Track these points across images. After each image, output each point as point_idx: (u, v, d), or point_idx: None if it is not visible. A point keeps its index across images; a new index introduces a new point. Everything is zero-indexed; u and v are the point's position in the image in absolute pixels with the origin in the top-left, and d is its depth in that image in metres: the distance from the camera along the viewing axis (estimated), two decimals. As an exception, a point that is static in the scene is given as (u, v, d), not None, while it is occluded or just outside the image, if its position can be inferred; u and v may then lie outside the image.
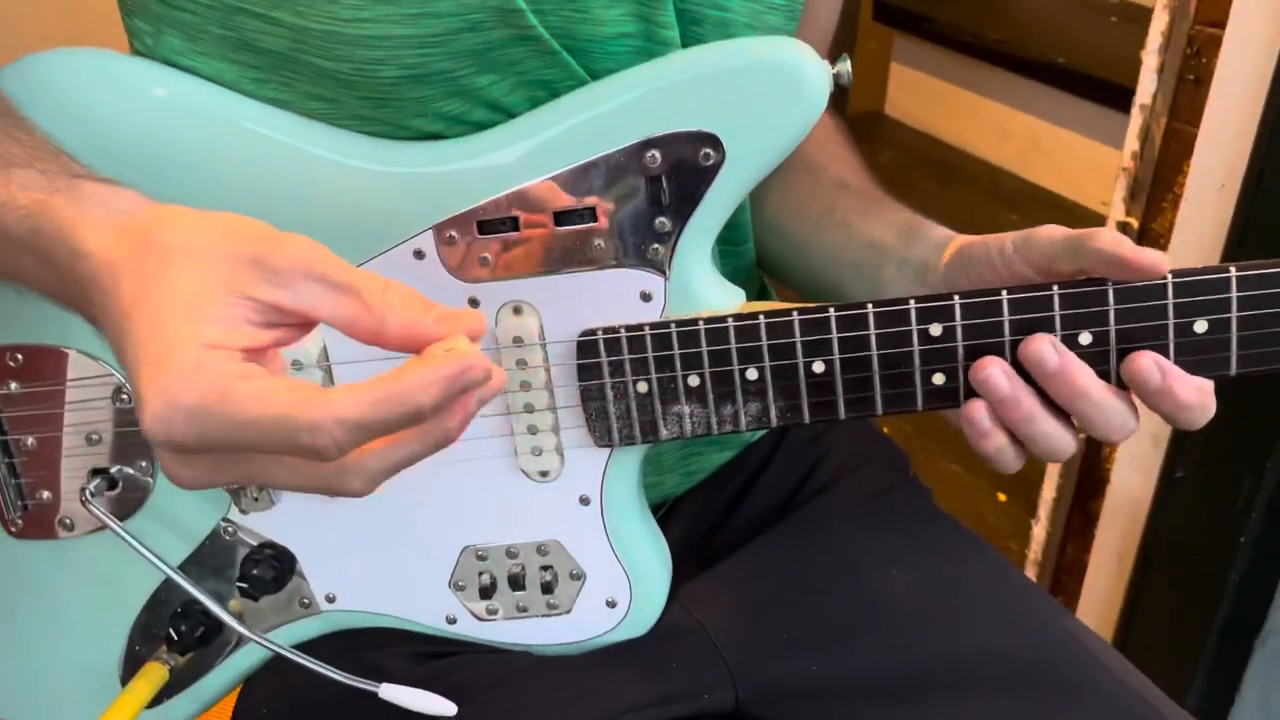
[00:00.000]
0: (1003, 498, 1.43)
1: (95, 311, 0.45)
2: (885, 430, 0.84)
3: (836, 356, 0.57)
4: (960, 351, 0.57)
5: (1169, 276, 0.54)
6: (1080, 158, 1.62)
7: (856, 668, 0.65)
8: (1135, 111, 0.99)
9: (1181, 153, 0.97)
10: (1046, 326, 0.56)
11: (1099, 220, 1.63)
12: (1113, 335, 0.56)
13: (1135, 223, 1.00)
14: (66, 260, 0.45)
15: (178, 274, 0.41)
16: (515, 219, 0.57)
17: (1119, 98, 1.51)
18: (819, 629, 0.67)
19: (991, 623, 0.66)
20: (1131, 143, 0.99)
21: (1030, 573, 1.22)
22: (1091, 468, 1.15)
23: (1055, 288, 0.56)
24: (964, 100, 1.78)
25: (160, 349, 0.40)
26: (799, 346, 0.57)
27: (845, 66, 0.57)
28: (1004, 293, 0.56)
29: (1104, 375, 0.56)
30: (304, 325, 0.43)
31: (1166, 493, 1.10)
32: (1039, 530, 1.20)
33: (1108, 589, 1.19)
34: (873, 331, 0.57)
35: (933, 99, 1.79)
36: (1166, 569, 1.14)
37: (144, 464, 0.63)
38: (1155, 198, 1.00)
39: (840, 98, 0.60)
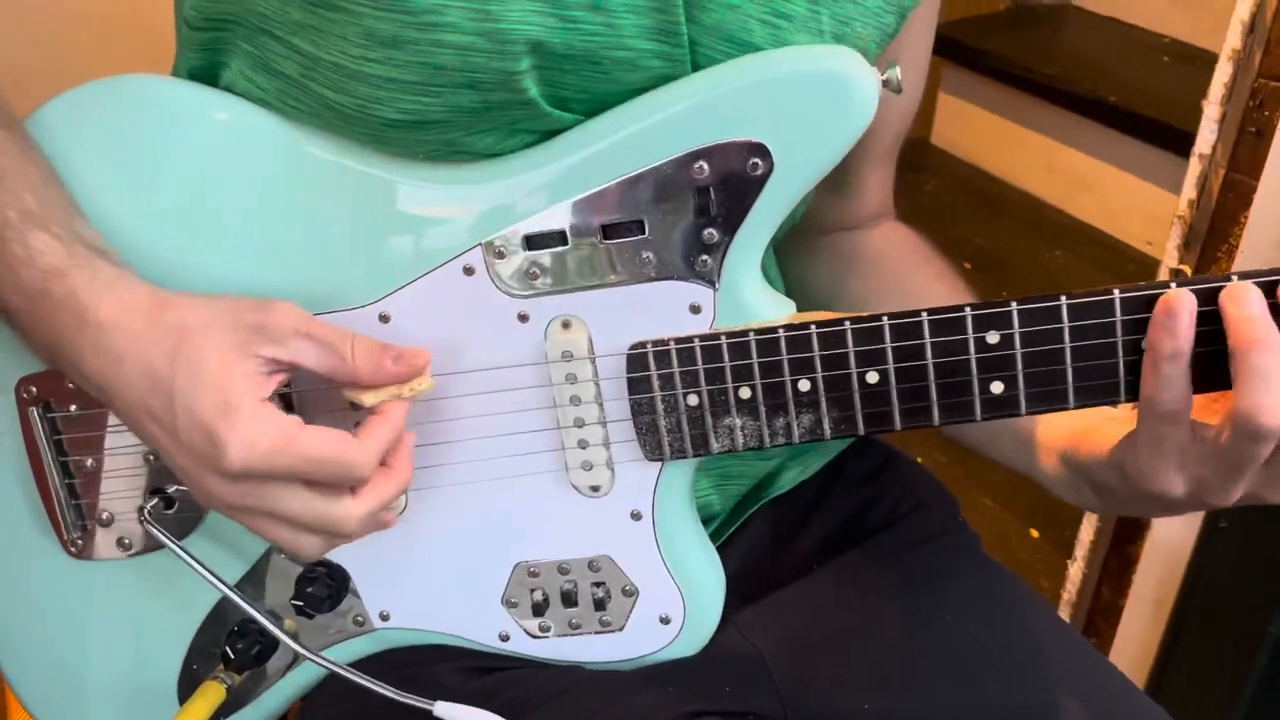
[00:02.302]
0: (1035, 534, 1.36)
1: (91, 371, 0.51)
2: (919, 459, 0.80)
3: (891, 366, 0.54)
4: (1019, 359, 0.53)
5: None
6: (1126, 196, 1.57)
7: (909, 713, 0.62)
8: (1194, 160, 0.94)
9: (1239, 204, 0.92)
10: (1108, 332, 0.52)
11: (1142, 258, 1.57)
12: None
13: (1189, 270, 0.95)
14: (71, 325, 0.50)
15: (200, 344, 0.49)
16: (563, 233, 0.55)
17: (1168, 138, 1.46)
18: (873, 669, 0.64)
19: (1046, 680, 0.63)
20: (1189, 191, 0.94)
21: (1064, 613, 1.16)
22: (1130, 512, 1.09)
23: (1116, 291, 0.52)
24: (1010, 133, 1.74)
25: (221, 404, 0.48)
26: (852, 356, 0.54)
27: (895, 73, 0.54)
28: (1063, 298, 0.52)
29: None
30: (295, 370, 0.52)
31: (1208, 542, 1.04)
32: (1075, 570, 1.14)
33: (1142, 634, 1.12)
34: (928, 340, 0.53)
35: (979, 130, 1.75)
36: (1204, 618, 1.08)
37: (203, 482, 0.61)
38: (1210, 247, 0.95)
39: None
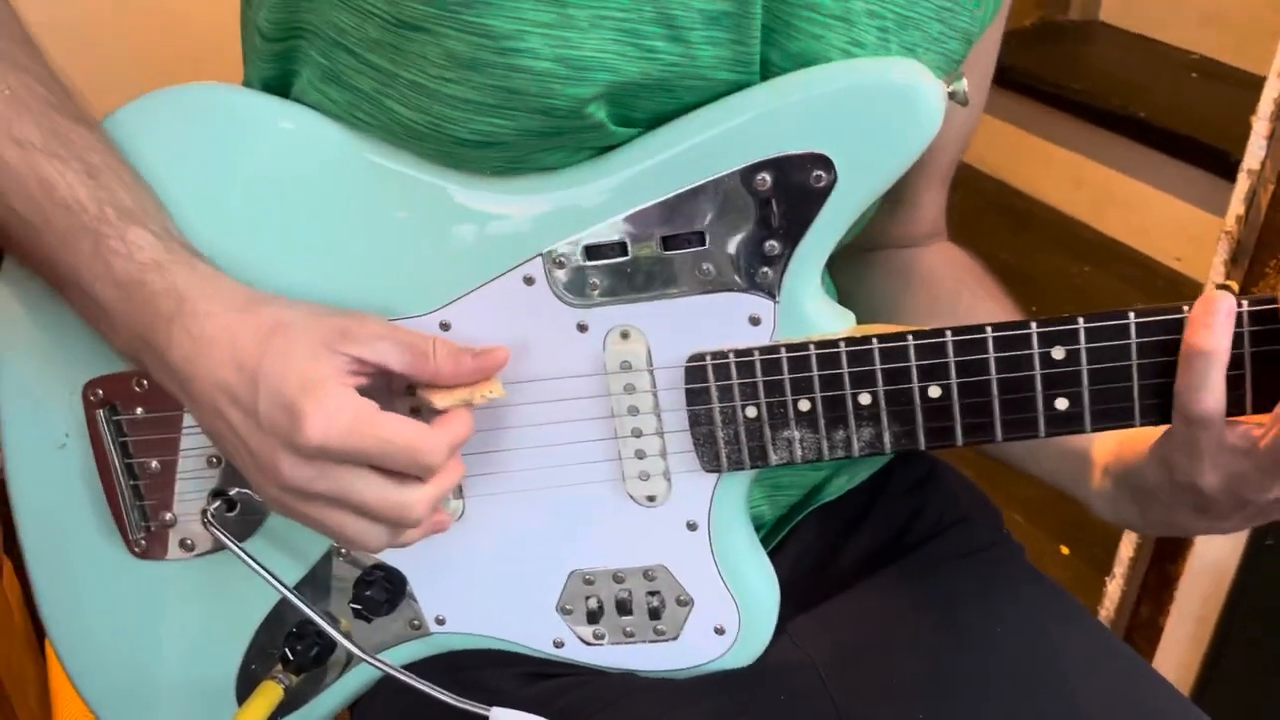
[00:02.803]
0: (1065, 550, 1.33)
1: (179, 357, 0.50)
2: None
3: (954, 381, 0.52)
4: (1085, 376, 0.51)
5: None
6: (1155, 212, 1.53)
7: None
8: (1242, 176, 0.92)
9: (1288, 220, 0.89)
10: (1175, 350, 0.50)
11: (1171, 274, 1.53)
12: (1247, 359, 0.49)
13: (1236, 286, 0.92)
14: (167, 312, 0.50)
15: (292, 336, 0.50)
16: (624, 244, 0.53)
17: (1199, 154, 1.42)
18: (925, 680, 0.62)
19: (1096, 692, 0.61)
20: (1236, 206, 0.91)
21: (1102, 631, 1.13)
22: (1172, 530, 1.05)
23: (1185, 309, 0.50)
24: (1037, 148, 1.71)
25: (307, 382, 0.48)
26: (914, 370, 0.52)
27: (961, 85, 0.52)
28: (1131, 314, 0.50)
29: (1239, 400, 0.50)
30: (380, 373, 0.51)
31: (1254, 560, 1.01)
32: (1114, 588, 1.11)
33: (1183, 653, 1.09)
34: (992, 355, 0.51)
35: (1006, 145, 1.72)
36: (1248, 638, 1.04)
37: (263, 486, 0.60)
38: (1258, 263, 0.92)
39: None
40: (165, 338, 0.50)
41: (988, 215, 1.59)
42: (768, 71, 0.52)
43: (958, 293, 0.68)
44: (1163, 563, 1.02)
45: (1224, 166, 1.35)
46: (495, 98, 0.50)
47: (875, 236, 0.69)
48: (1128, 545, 1.05)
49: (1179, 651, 1.07)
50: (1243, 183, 0.91)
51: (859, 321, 0.56)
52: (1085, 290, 1.47)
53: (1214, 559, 1.01)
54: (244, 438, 0.50)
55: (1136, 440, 0.56)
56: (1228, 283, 0.94)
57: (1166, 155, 1.49)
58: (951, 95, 0.51)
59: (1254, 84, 1.57)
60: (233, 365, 0.49)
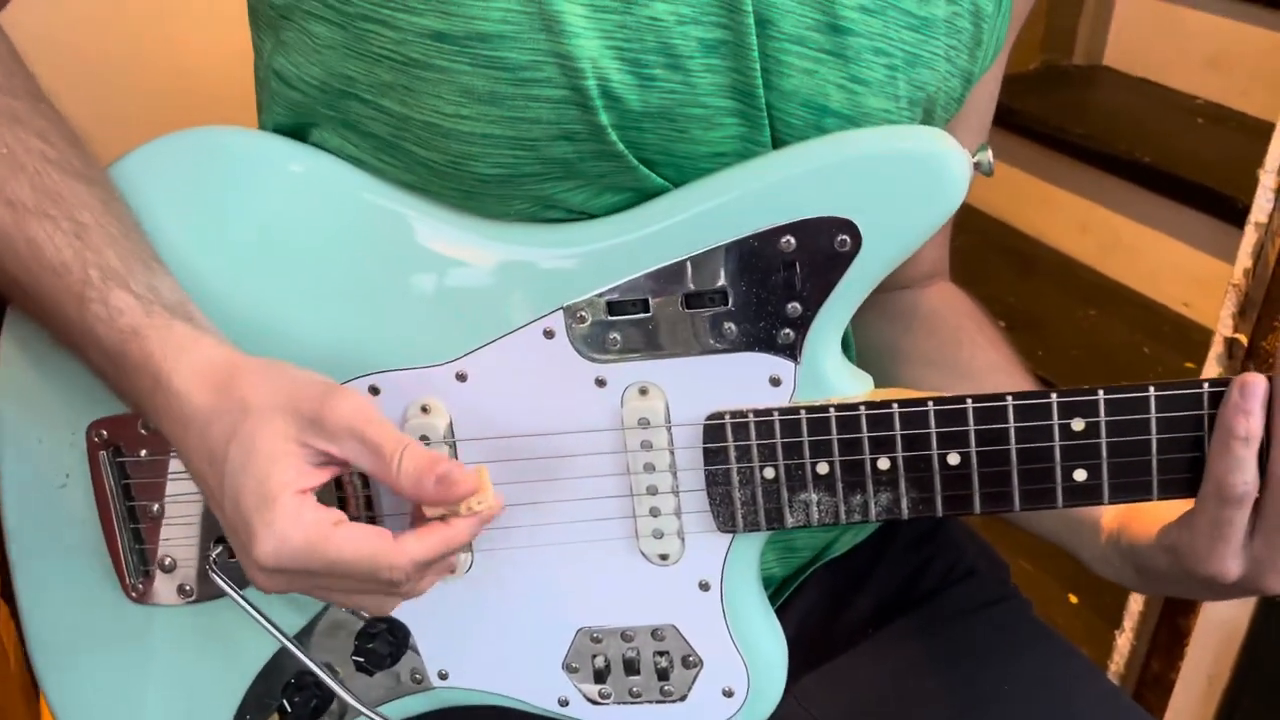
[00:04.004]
0: (1074, 599, 1.34)
1: (168, 432, 0.51)
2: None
3: (973, 449, 0.54)
4: (1104, 448, 0.53)
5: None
6: (1162, 256, 1.56)
7: None
8: (1250, 229, 0.94)
9: (1297, 274, 0.92)
10: (1195, 426, 0.52)
11: (1178, 319, 1.57)
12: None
13: (1244, 339, 0.95)
14: (147, 386, 0.51)
15: (256, 429, 0.48)
16: (646, 300, 0.55)
17: (1205, 199, 1.46)
18: None
19: None
20: (1244, 259, 0.94)
21: (1111, 685, 1.14)
22: (1184, 584, 1.07)
23: (1206, 385, 0.52)
24: (1043, 192, 1.74)
25: (261, 494, 0.48)
26: (934, 437, 0.54)
27: (986, 156, 0.54)
28: (1151, 389, 0.52)
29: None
30: (346, 466, 0.50)
31: (1267, 617, 1.03)
32: (1123, 642, 1.13)
33: (1195, 711, 1.11)
34: (1012, 424, 0.53)
35: (1011, 188, 1.75)
36: (1261, 697, 1.06)
37: (266, 533, 0.61)
38: (1266, 316, 0.95)
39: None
40: (152, 413, 0.52)
41: (993, 259, 1.61)
42: (773, 116, 0.54)
43: (959, 341, 0.70)
44: (1174, 617, 1.04)
45: (1231, 212, 1.39)
46: (516, 129, 0.51)
47: None
48: (1137, 598, 1.07)
49: (1190, 709, 1.09)
50: (1250, 235, 0.93)
51: (862, 364, 0.57)
52: (1091, 335, 1.50)
53: (1226, 615, 1.03)
54: (224, 528, 0.51)
55: (1141, 519, 0.58)
56: (1236, 336, 0.97)
57: (1173, 200, 1.53)
58: (976, 166, 0.54)
59: (1260, 129, 1.61)
60: (205, 456, 0.49)
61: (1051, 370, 1.35)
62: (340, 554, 0.48)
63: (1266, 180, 0.94)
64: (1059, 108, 1.73)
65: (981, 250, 1.67)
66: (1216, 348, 0.97)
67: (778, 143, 0.55)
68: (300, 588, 0.50)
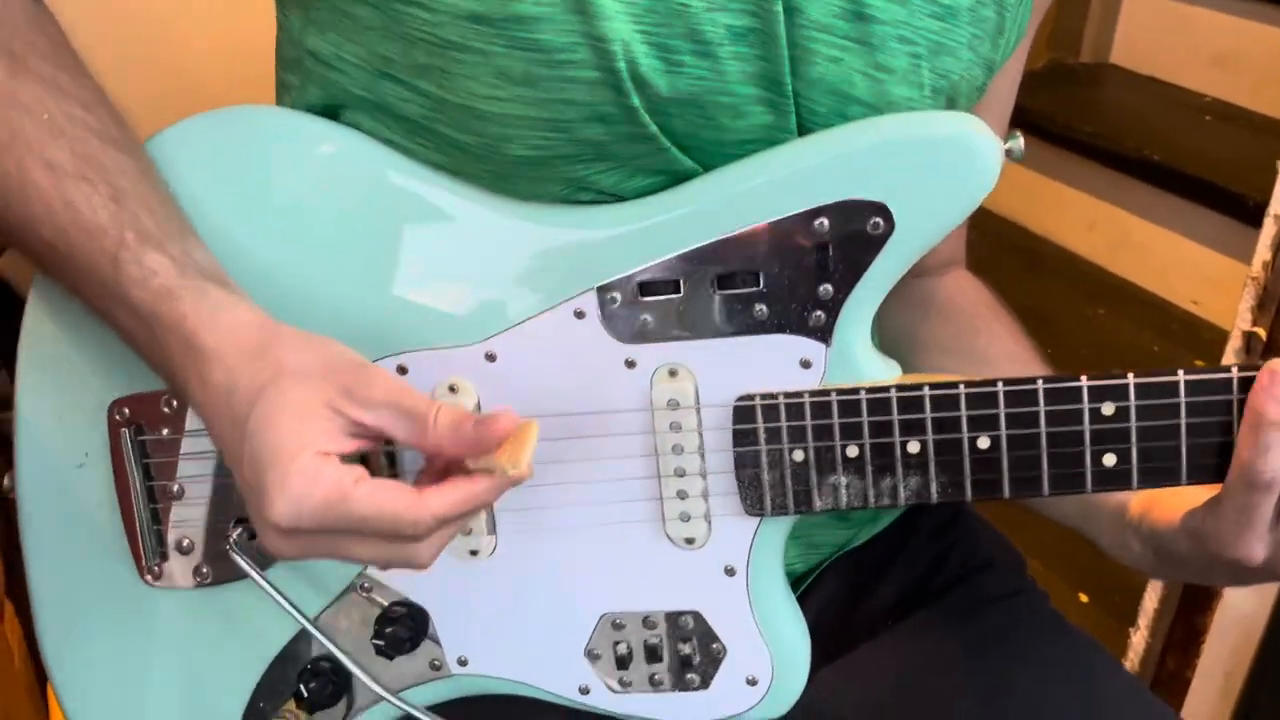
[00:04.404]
0: (1085, 598, 1.36)
1: (196, 396, 0.52)
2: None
3: (1004, 432, 0.55)
4: (1134, 432, 0.54)
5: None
6: (1171, 254, 1.59)
7: None
8: (1268, 222, 0.96)
9: (1313, 266, 0.94)
10: (1224, 411, 0.53)
11: (1187, 317, 1.59)
12: None
13: (1263, 333, 0.96)
14: (180, 348, 0.51)
15: (288, 389, 0.49)
16: (677, 281, 0.56)
17: (1214, 196, 1.48)
18: None
19: None
20: (1263, 252, 0.96)
21: (1127, 683, 1.16)
22: (1201, 581, 1.09)
23: (1234, 369, 0.53)
24: (1051, 190, 1.76)
25: (279, 452, 0.48)
26: (964, 420, 0.55)
27: (1018, 143, 0.55)
28: (1180, 373, 0.53)
29: None
30: (381, 438, 0.51)
31: (1285, 613, 1.04)
32: (1138, 639, 1.14)
33: (1212, 708, 1.12)
34: (1042, 408, 0.54)
35: (1019, 187, 1.77)
36: (1279, 693, 1.07)
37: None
38: (1285, 310, 0.96)
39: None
40: (182, 376, 0.52)
41: (1001, 257, 1.63)
42: (799, 104, 0.55)
43: (975, 329, 0.71)
44: (1190, 614, 1.06)
45: (1241, 209, 1.41)
46: (551, 111, 0.52)
47: None
48: (1152, 596, 1.08)
49: (1207, 706, 1.10)
50: (1269, 228, 0.95)
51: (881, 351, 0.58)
52: (1101, 333, 1.52)
53: (1244, 611, 1.04)
54: (243, 491, 0.51)
55: (1164, 504, 0.59)
56: (1255, 329, 0.99)
57: (1182, 198, 1.55)
58: (1008, 153, 0.55)
59: (1268, 126, 1.63)
60: (229, 419, 0.50)
61: (1060, 369, 1.36)
62: (361, 510, 0.48)
63: (1285, 173, 0.96)
64: (1066, 106, 1.75)
65: (990, 249, 1.69)
66: (1234, 342, 0.98)
67: (803, 131, 0.56)
68: (319, 550, 0.50)
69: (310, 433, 0.48)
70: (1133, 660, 1.13)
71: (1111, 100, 1.85)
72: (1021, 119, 1.76)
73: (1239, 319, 0.97)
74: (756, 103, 0.54)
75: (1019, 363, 0.69)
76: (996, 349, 0.70)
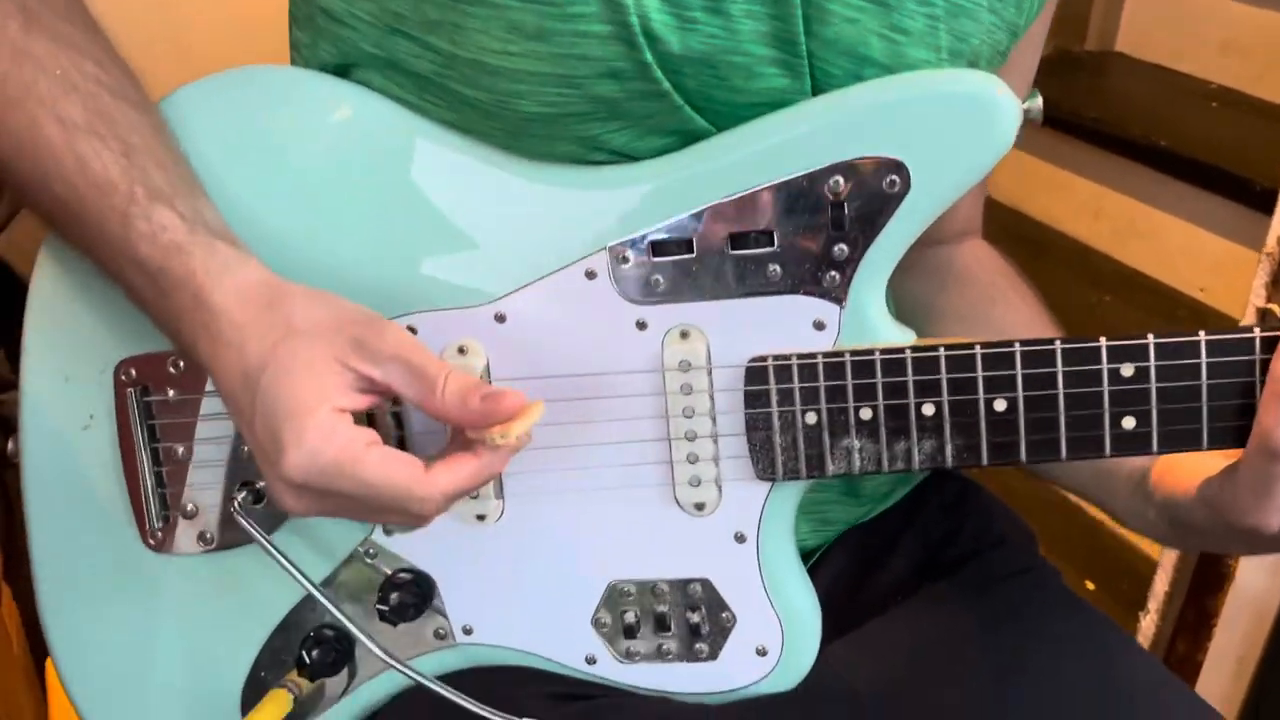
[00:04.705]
0: (1091, 585, 1.37)
1: (204, 353, 0.52)
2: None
3: (1020, 394, 0.55)
4: (1154, 394, 0.54)
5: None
6: (1178, 241, 1.59)
7: None
8: (1282, 196, 0.96)
9: (1327, 240, 0.94)
10: (1246, 371, 0.53)
11: (1194, 304, 1.60)
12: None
13: (1278, 309, 0.97)
14: (188, 304, 0.52)
15: (298, 345, 0.50)
16: (690, 241, 0.56)
17: (1222, 183, 1.48)
18: (966, 708, 0.64)
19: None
20: (1277, 228, 0.96)
21: (1134, 668, 1.17)
22: (1212, 562, 1.09)
23: (1258, 331, 0.53)
24: (1056, 177, 1.77)
25: (295, 406, 0.48)
26: (980, 382, 0.55)
27: (1036, 103, 0.56)
28: (1202, 334, 0.53)
29: None
30: (390, 395, 0.51)
31: (1300, 593, 1.05)
32: (1148, 623, 1.14)
33: (1224, 691, 1.13)
34: (1060, 369, 0.54)
35: (1024, 175, 1.77)
36: (1294, 677, 1.08)
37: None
38: (1300, 284, 0.97)
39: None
40: (190, 333, 0.52)
41: (1005, 245, 1.63)
42: (813, 65, 0.55)
43: (991, 298, 0.72)
44: (1201, 597, 1.06)
45: (1248, 195, 1.41)
46: (564, 66, 0.53)
47: None
48: (1163, 579, 1.09)
49: (1219, 689, 1.11)
50: (1284, 202, 0.95)
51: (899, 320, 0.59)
52: (1107, 321, 1.52)
53: (1256, 593, 1.04)
54: (254, 451, 0.52)
55: (1180, 471, 0.59)
56: (1269, 306, 0.99)
57: (1189, 184, 1.55)
58: (1026, 113, 0.55)
59: (1275, 113, 1.64)
60: (239, 373, 0.50)
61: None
62: (371, 477, 0.49)
63: (1304, 146, 0.96)
64: (1072, 93, 1.75)
65: (994, 236, 1.69)
66: (1248, 319, 0.99)
67: (818, 94, 0.56)
68: (327, 508, 0.51)
69: (323, 388, 0.49)
70: (1142, 644, 1.13)
71: (1117, 87, 1.86)
72: (1027, 105, 1.75)
73: (1253, 295, 0.98)
74: (770, 64, 0.55)
75: (1036, 331, 0.69)
76: (1013, 317, 0.70)
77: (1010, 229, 1.74)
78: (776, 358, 0.56)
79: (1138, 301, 1.56)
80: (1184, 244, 1.55)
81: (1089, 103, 1.73)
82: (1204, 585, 1.06)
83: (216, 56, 0.59)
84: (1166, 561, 1.08)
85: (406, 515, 0.51)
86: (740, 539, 0.60)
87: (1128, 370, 0.54)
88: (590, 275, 0.57)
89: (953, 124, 0.54)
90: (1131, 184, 1.63)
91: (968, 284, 0.73)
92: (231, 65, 0.59)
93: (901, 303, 0.72)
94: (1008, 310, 0.71)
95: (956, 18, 0.57)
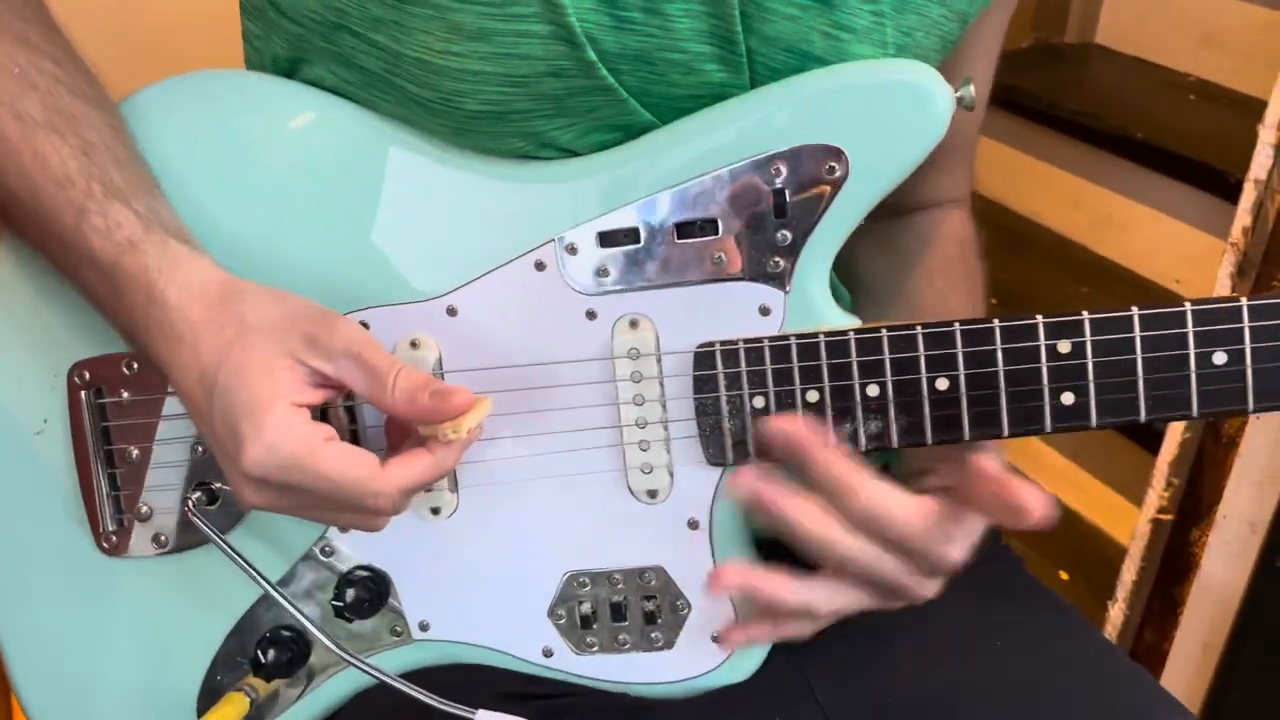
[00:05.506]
0: (1064, 575, 1.41)
1: (159, 351, 0.55)
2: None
3: (961, 372, 0.59)
4: (1090, 369, 0.58)
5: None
6: (1155, 233, 1.65)
7: None
8: (1248, 186, 1.01)
9: (1296, 230, 0.99)
10: (1178, 344, 0.58)
11: (1171, 296, 1.65)
12: (1248, 354, 0.57)
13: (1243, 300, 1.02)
14: (141, 302, 0.55)
15: (253, 341, 0.53)
16: (636, 230, 0.60)
17: (1199, 176, 1.54)
18: (923, 696, 0.67)
19: (1102, 708, 0.66)
20: (1243, 218, 1.01)
21: (1104, 656, 1.21)
22: (1178, 551, 1.14)
23: (1188, 304, 0.58)
24: (1035, 169, 1.82)
25: (253, 401, 0.52)
26: (923, 360, 0.59)
27: (969, 90, 0.60)
28: (1135, 309, 0.58)
29: (1239, 395, 0.58)
30: (342, 389, 0.55)
31: (1263, 583, 1.09)
32: (1115, 612, 1.19)
33: (1189, 679, 1.17)
34: (999, 346, 0.59)
35: (1003, 166, 1.83)
36: (1258, 663, 1.12)
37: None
38: (1266, 275, 1.01)
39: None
40: (144, 331, 0.56)
41: (984, 236, 1.68)
42: (753, 61, 0.60)
43: (929, 278, 0.75)
44: (1167, 586, 1.11)
45: (1225, 188, 1.47)
46: (505, 66, 0.57)
47: None
48: (1130, 568, 1.14)
49: (1185, 678, 1.15)
50: (1249, 193, 1.00)
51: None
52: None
53: (1221, 581, 1.09)
54: (213, 448, 0.55)
55: None
56: (1234, 296, 1.04)
57: (1166, 177, 1.61)
58: (959, 100, 0.60)
59: (1253, 106, 1.71)
60: (195, 371, 0.54)
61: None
62: (328, 472, 0.52)
63: (1266, 135, 1.01)
64: (1051, 85, 1.81)
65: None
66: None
67: (757, 87, 0.60)
68: (285, 503, 0.54)
69: (278, 384, 0.52)
70: (1110, 634, 1.18)
71: (1096, 79, 1.92)
72: (1006, 98, 1.83)
73: (1218, 286, 1.02)
74: (709, 60, 0.59)
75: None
76: (941, 301, 0.73)
77: (989, 220, 1.78)
78: (724, 343, 0.60)
79: (1115, 293, 1.62)
80: (1161, 236, 1.61)
81: (1068, 95, 1.79)
82: (1171, 575, 1.11)
83: (174, 57, 0.63)
84: (1134, 551, 1.13)
85: (362, 511, 0.55)
86: (693, 525, 0.64)
87: (1064, 346, 0.58)
88: (539, 266, 0.61)
89: (889, 111, 0.59)
90: (1110, 176, 1.69)
91: (909, 257, 0.76)
92: (190, 65, 0.63)
93: (844, 270, 0.75)
94: (942, 293, 0.74)
95: (903, 13, 0.61)
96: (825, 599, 0.61)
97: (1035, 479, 0.84)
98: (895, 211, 0.78)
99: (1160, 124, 1.64)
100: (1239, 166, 1.45)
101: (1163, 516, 1.12)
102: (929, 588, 0.61)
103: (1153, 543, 1.13)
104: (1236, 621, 1.10)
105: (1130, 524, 1.23)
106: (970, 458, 0.57)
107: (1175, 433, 1.11)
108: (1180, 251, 1.58)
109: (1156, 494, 1.12)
